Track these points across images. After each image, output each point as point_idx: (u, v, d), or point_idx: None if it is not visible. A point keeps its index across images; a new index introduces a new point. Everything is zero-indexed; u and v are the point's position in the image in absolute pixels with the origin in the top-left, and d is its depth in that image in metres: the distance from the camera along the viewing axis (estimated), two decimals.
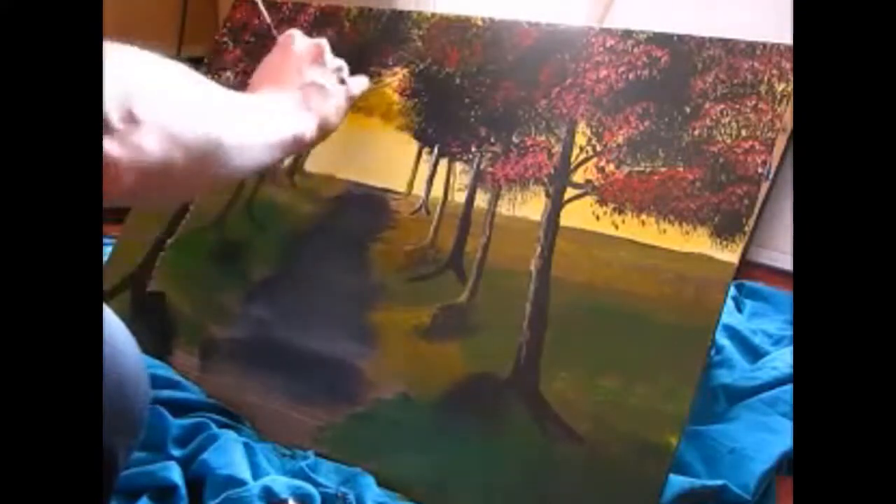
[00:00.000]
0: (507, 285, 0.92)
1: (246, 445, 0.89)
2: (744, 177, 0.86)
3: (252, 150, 0.70)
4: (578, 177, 0.93)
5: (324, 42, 0.89)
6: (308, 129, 0.80)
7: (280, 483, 0.83)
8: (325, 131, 0.84)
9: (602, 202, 0.91)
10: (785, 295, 1.41)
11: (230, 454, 0.86)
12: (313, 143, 0.83)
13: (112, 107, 0.51)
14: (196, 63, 1.27)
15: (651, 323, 0.84)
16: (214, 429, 0.91)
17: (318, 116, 0.83)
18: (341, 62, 0.92)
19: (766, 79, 0.88)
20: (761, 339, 1.26)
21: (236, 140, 0.67)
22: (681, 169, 0.88)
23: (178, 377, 1.00)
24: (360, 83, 0.96)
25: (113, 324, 0.62)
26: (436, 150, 1.03)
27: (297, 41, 0.88)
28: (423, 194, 1.02)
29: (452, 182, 1.01)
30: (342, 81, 0.91)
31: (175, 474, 0.84)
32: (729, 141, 0.87)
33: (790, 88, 0.87)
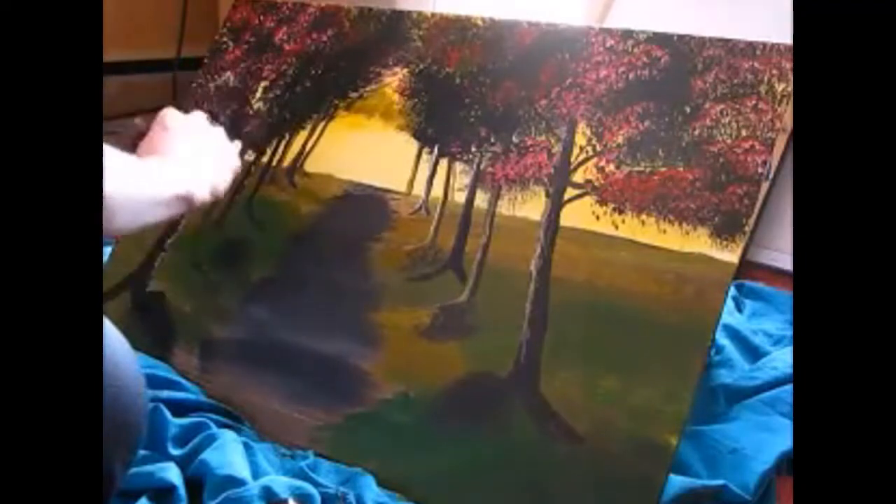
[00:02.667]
0: (507, 285, 0.92)
1: (245, 445, 0.89)
2: (744, 177, 0.86)
3: (138, 206, 0.73)
4: (578, 177, 0.93)
5: (198, 115, 0.91)
6: (197, 191, 0.82)
7: (280, 483, 0.83)
8: (214, 195, 0.86)
9: (602, 202, 0.91)
10: (785, 295, 1.41)
11: (229, 454, 0.86)
12: (202, 206, 0.85)
13: None
14: (196, 63, 1.27)
15: (651, 323, 0.84)
16: (214, 429, 0.91)
17: (207, 180, 0.85)
18: (218, 131, 0.92)
19: (766, 79, 0.88)
20: (761, 339, 1.26)
21: (123, 197, 0.69)
22: (681, 169, 0.88)
23: (177, 377, 1.00)
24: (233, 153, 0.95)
25: (110, 335, 0.61)
26: (436, 150, 1.03)
27: (170, 118, 0.89)
28: (423, 194, 1.02)
29: (452, 182, 1.01)
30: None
31: (173, 475, 0.84)
32: (729, 141, 0.87)
33: (790, 88, 0.87)
